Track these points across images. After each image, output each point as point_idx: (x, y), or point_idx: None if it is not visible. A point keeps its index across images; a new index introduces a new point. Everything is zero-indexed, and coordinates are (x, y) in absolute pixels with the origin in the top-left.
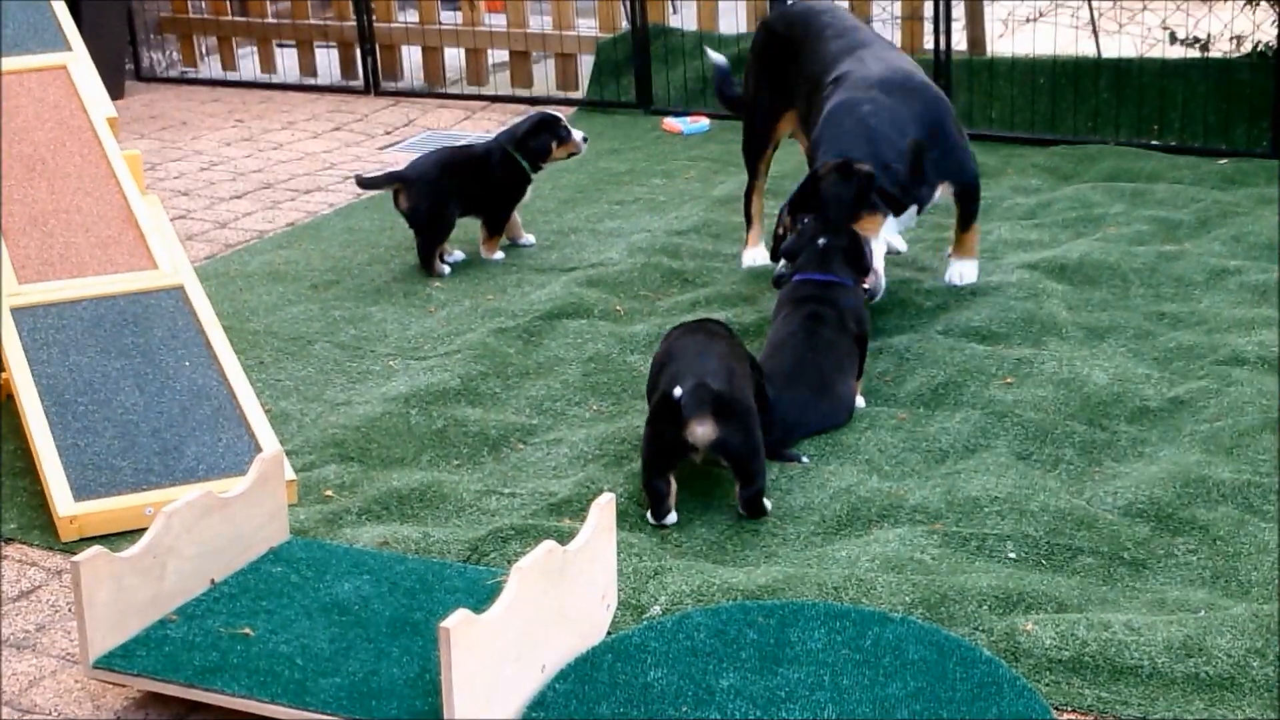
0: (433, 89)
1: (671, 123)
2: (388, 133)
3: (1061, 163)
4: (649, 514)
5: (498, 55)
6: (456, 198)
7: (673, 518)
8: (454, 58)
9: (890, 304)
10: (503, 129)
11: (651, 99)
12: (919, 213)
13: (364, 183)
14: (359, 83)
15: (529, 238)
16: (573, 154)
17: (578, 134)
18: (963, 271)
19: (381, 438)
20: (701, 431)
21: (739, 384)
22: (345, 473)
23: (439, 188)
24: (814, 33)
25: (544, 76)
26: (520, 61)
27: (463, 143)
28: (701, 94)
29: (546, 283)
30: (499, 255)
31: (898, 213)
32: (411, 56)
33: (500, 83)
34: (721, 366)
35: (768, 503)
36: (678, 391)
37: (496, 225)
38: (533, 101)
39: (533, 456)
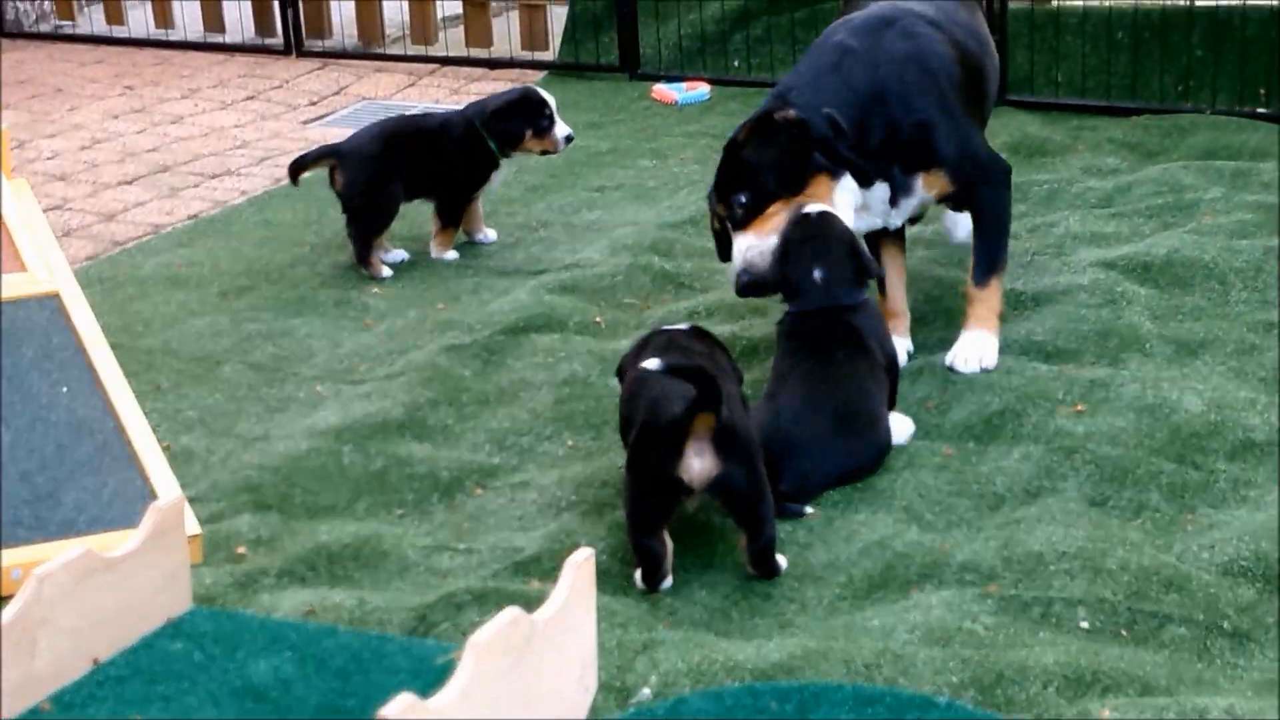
0: (369, 49)
1: (663, 90)
2: (313, 103)
3: (1145, 137)
4: (637, 576)
5: (449, 7)
6: (401, 176)
7: (668, 582)
8: (395, 10)
9: (932, 312)
10: (473, 101)
11: (639, 61)
12: (894, 204)
13: (296, 167)
14: (277, 41)
15: (489, 233)
16: (547, 152)
17: (561, 130)
18: (968, 354)
19: (307, 481)
20: (700, 466)
21: (738, 408)
22: (262, 525)
23: (380, 163)
24: None
25: (506, 33)
26: (477, 15)
27: (415, 112)
28: (700, 54)
29: (510, 289)
30: (452, 254)
31: (861, 181)
32: (342, 9)
33: (452, 41)
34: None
35: (782, 559)
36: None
37: (451, 215)
38: (491, 65)
39: (493, 504)
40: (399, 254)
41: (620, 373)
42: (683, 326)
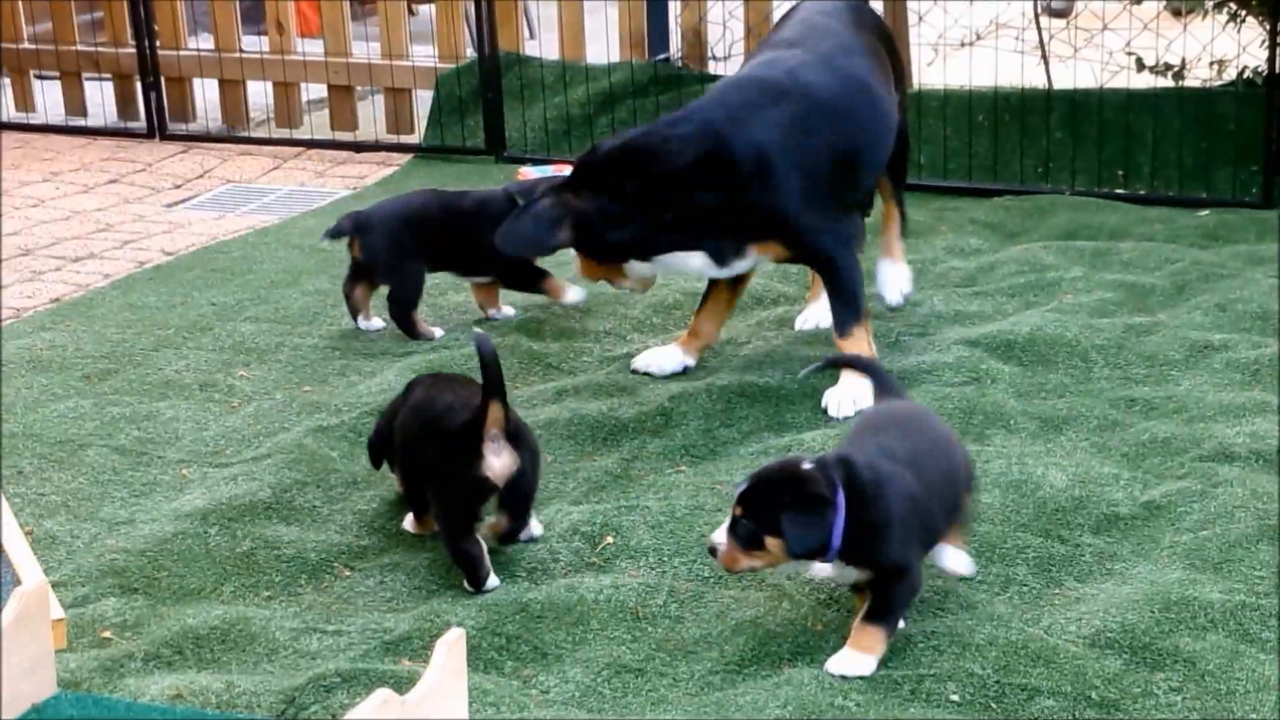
0: (233, 132)
1: (529, 173)
2: (177, 186)
3: (1007, 217)
4: (466, 583)
5: (313, 90)
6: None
7: (494, 581)
8: (259, 94)
9: (796, 390)
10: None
11: (505, 144)
12: (721, 264)
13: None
14: (140, 124)
15: (376, 322)
16: None
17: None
18: (842, 398)
19: (173, 564)
20: (500, 463)
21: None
22: (127, 609)
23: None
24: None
25: (371, 117)
26: (342, 98)
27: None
28: (566, 136)
29: (377, 371)
30: (376, 324)
31: (645, 254)
32: (206, 92)
33: (317, 124)
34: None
35: (538, 525)
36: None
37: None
38: (357, 148)
39: (363, 585)
40: (376, 322)
41: (382, 430)
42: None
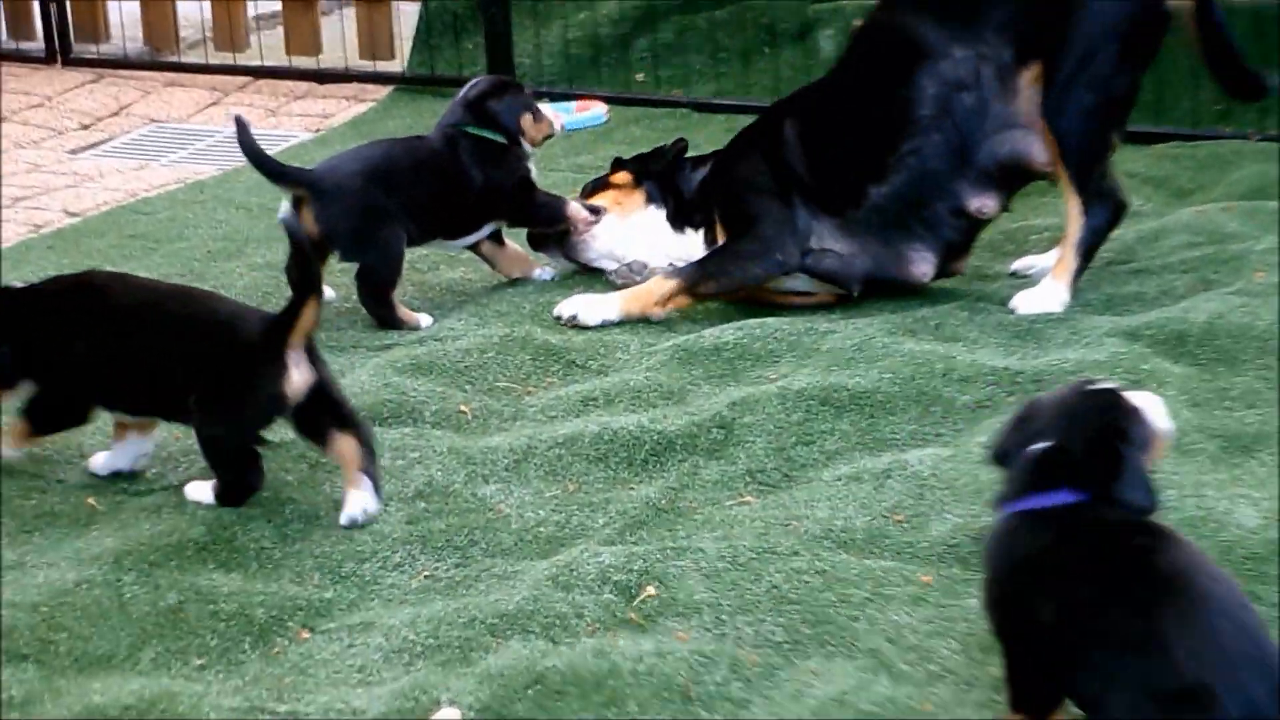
0: (158, 57)
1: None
2: (85, 126)
3: (1175, 171)
4: (219, 496)
5: (263, 5)
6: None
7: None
8: (193, 9)
9: (898, 394)
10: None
11: (513, 74)
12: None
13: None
14: (37, 46)
15: (328, 293)
16: (547, 136)
17: (551, 112)
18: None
19: (75, 623)
20: (299, 377)
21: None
22: (16, 680)
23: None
24: None
25: (339, 38)
26: (299, 14)
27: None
28: (593, 65)
29: (347, 367)
30: (329, 295)
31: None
32: (123, 6)
33: (268, 48)
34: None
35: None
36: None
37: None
38: (320, 77)
39: (325, 651)
40: (329, 293)
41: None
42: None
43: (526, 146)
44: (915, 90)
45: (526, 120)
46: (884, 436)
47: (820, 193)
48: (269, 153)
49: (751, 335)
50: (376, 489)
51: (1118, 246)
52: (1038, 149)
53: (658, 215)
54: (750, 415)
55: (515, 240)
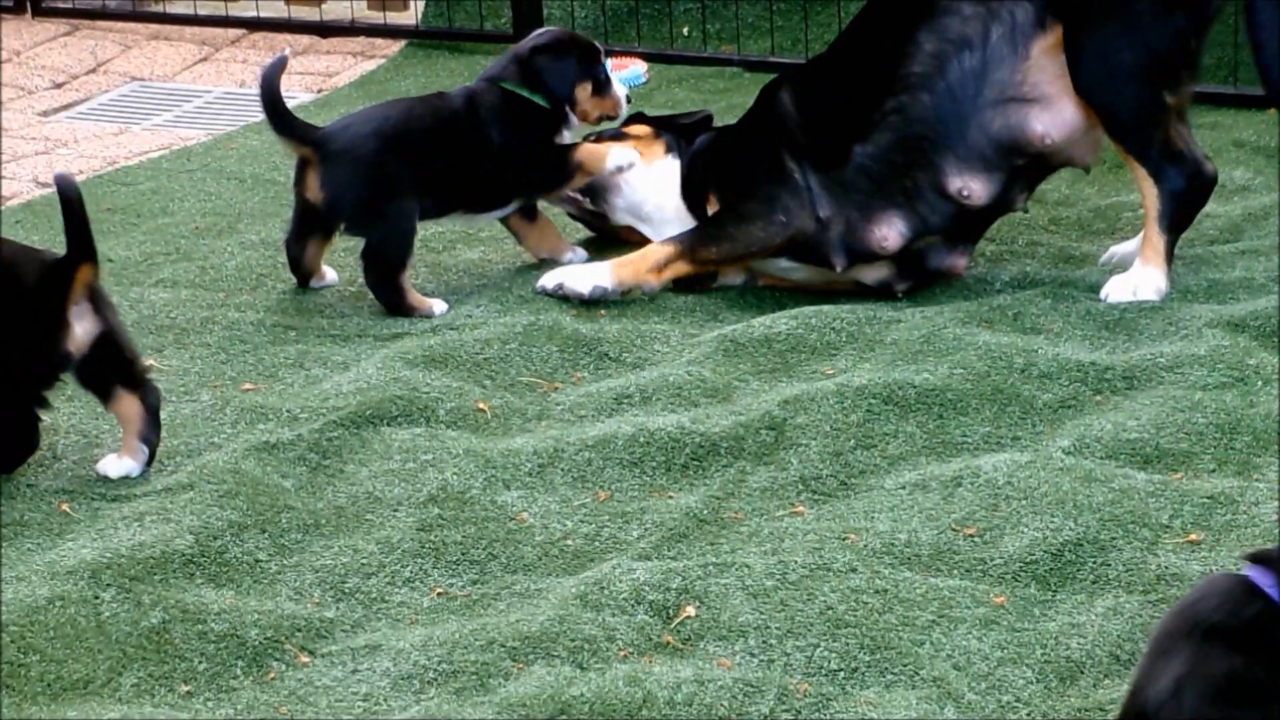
0: (141, 7)
1: None
2: (58, 84)
3: None
4: None
5: None
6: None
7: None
8: None
9: (970, 391)
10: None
11: (539, 24)
12: None
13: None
14: None
15: (330, 275)
16: (607, 117)
17: (620, 89)
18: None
19: (48, 644)
20: (83, 329)
21: None
22: None
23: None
24: None
25: None
26: None
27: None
28: (632, 17)
29: (352, 360)
30: (330, 278)
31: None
32: None
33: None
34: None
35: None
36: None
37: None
38: (323, 30)
39: (326, 677)
40: (331, 276)
41: None
42: None
43: (573, 119)
44: (911, 45)
45: (583, 91)
46: (954, 440)
47: (812, 149)
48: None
49: (807, 325)
50: (149, 459)
51: (1222, 224)
52: (1038, 125)
53: (677, 167)
54: (804, 415)
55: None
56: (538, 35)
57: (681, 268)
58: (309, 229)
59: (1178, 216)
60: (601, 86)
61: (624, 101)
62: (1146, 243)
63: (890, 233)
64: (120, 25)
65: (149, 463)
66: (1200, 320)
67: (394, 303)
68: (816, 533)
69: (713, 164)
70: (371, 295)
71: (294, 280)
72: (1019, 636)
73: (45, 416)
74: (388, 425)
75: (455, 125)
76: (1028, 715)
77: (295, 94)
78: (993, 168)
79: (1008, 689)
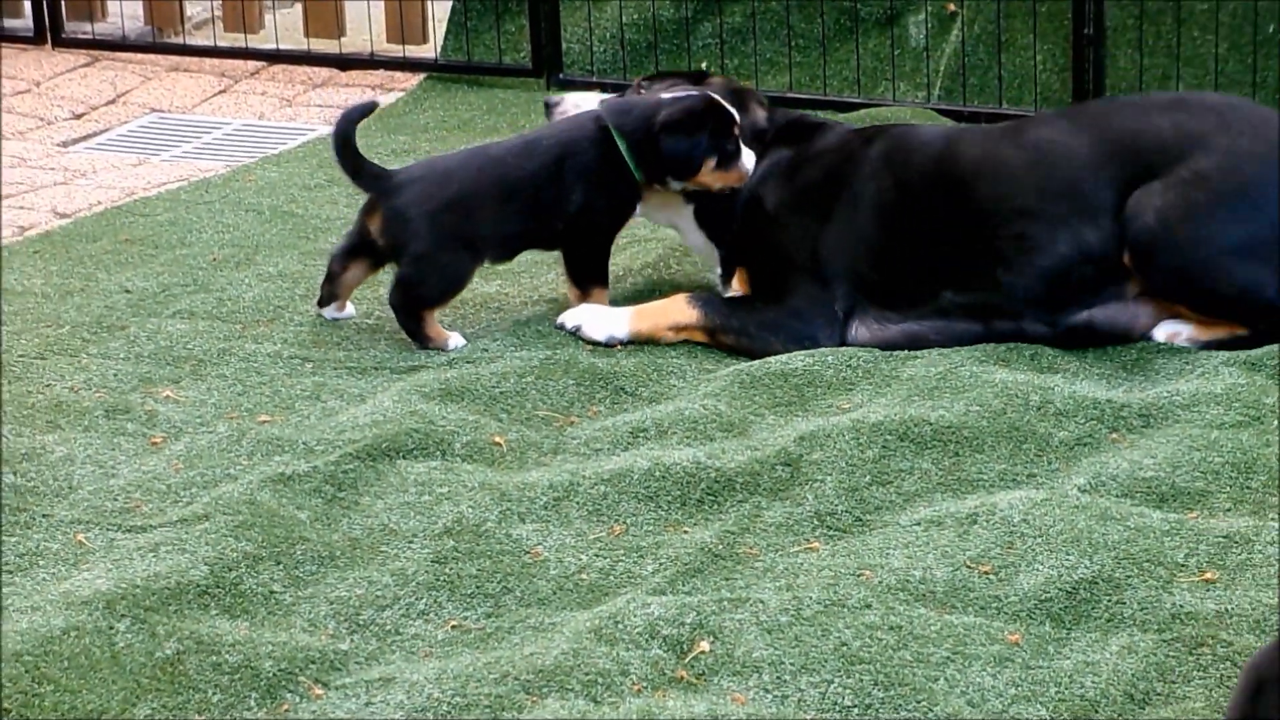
0: (161, 38)
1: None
2: (78, 115)
3: None
4: None
5: None
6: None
7: None
8: None
9: (987, 429)
10: (607, 101)
11: (561, 60)
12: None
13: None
14: (24, 24)
15: (349, 309)
16: (728, 189)
17: (749, 157)
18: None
19: (62, 674)
20: None
21: None
22: None
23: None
24: None
25: (364, 19)
26: None
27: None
28: (649, 52)
29: (368, 392)
30: (349, 311)
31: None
32: None
33: (284, 30)
34: None
35: None
36: None
37: (590, 270)
38: (343, 64)
39: (340, 709)
40: (350, 310)
41: None
42: None
43: (674, 185)
44: None
45: (708, 165)
46: (969, 477)
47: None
48: (285, 148)
49: (823, 360)
50: None
51: None
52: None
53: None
54: (819, 451)
55: None
56: (675, 102)
57: (698, 337)
58: (360, 255)
59: None
60: (729, 159)
61: (750, 169)
62: None
63: None
64: (140, 56)
65: None
66: (1217, 359)
67: (412, 330)
68: (831, 569)
69: (748, 235)
70: (389, 327)
71: (312, 312)
72: (1033, 674)
73: (62, 446)
74: (403, 458)
75: (533, 186)
76: None
77: (313, 126)
78: None
79: (1044, 707)
